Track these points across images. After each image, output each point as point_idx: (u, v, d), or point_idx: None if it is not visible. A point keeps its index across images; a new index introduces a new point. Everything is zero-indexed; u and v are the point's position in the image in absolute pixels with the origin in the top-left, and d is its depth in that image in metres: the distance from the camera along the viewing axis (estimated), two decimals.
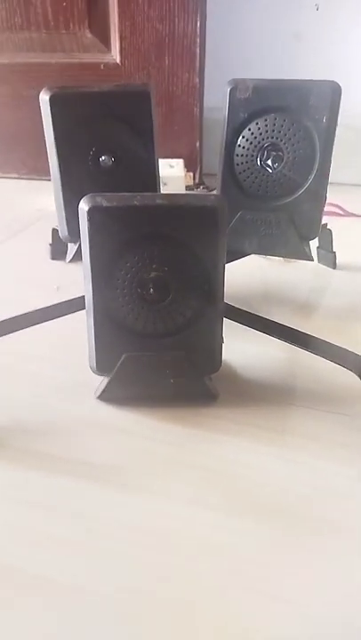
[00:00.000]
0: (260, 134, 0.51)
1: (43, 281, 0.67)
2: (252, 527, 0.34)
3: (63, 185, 0.52)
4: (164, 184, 0.88)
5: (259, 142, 0.52)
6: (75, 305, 0.47)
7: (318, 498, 0.36)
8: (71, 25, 0.94)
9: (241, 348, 0.49)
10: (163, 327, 0.42)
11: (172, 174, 0.89)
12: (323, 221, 0.55)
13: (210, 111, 0.98)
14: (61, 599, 0.30)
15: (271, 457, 0.40)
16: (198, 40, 0.89)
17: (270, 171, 0.52)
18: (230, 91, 0.51)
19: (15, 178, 1.08)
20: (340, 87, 0.49)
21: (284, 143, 0.51)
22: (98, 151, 0.52)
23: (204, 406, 0.44)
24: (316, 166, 0.51)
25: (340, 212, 0.88)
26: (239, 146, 0.52)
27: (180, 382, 0.43)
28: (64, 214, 0.53)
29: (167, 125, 0.96)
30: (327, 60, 0.98)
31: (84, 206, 0.39)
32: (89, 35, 0.94)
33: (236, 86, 0.51)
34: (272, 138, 0.51)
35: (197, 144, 0.98)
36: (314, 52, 0.98)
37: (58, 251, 0.71)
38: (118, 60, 0.94)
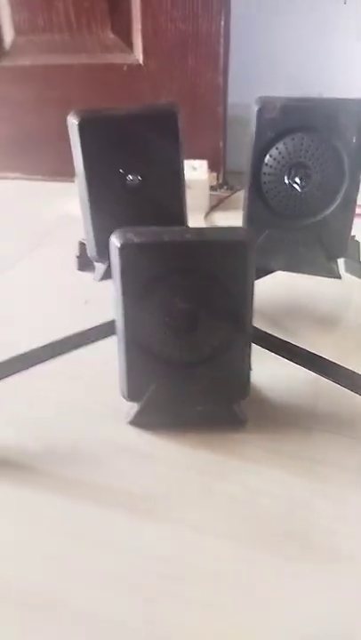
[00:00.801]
0: (288, 153, 0.51)
1: (71, 294, 0.68)
2: (280, 563, 0.35)
3: (92, 206, 0.53)
4: (188, 187, 0.88)
5: (286, 162, 0.51)
6: (106, 330, 0.48)
7: (345, 532, 0.37)
8: (93, 26, 0.93)
9: (269, 371, 0.50)
10: (192, 356, 0.43)
11: (196, 177, 0.89)
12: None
13: (232, 108, 0.97)
14: (100, 633, 0.32)
15: (298, 487, 0.40)
16: (222, 40, 0.88)
17: (298, 190, 0.52)
18: (258, 110, 0.50)
19: (39, 180, 1.09)
20: None
21: (312, 163, 0.50)
22: (125, 172, 0.53)
23: (233, 432, 0.45)
24: (345, 186, 0.50)
25: None
26: (266, 164, 0.52)
27: (209, 409, 0.44)
28: (92, 235, 0.54)
29: (190, 125, 0.95)
30: (352, 55, 0.95)
31: (115, 242, 0.39)
32: (111, 35, 0.93)
33: (263, 106, 0.50)
34: (300, 157, 0.51)
35: (221, 143, 0.97)
36: (340, 46, 0.95)
37: (85, 263, 0.72)
38: (141, 61, 0.93)
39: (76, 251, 0.74)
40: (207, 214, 0.90)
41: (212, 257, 0.39)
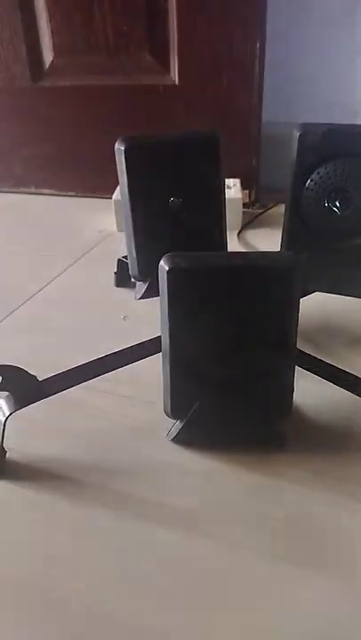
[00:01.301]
0: (329, 178, 0.52)
1: (109, 310, 0.70)
2: (327, 585, 0.36)
3: (135, 227, 0.54)
4: None
5: (328, 186, 0.52)
6: (149, 348, 0.49)
7: None
8: (131, 48, 0.96)
9: (311, 389, 0.50)
10: (236, 377, 0.44)
11: (230, 196, 0.90)
12: None
13: (266, 126, 0.98)
14: None
15: (340, 508, 0.41)
16: (257, 61, 0.90)
17: (338, 213, 0.52)
18: (300, 136, 0.52)
19: (73, 196, 1.12)
20: None
21: (353, 188, 0.51)
22: (169, 195, 0.54)
23: (275, 452, 0.46)
24: None
25: None
26: (307, 189, 0.53)
27: (251, 429, 0.45)
28: (135, 255, 0.56)
29: (225, 144, 0.97)
30: None
31: (164, 266, 0.41)
32: (148, 57, 0.96)
33: (306, 131, 0.51)
34: (341, 182, 0.51)
35: (254, 162, 0.99)
36: None
37: (123, 278, 0.74)
38: (177, 82, 0.96)
39: (114, 267, 0.76)
40: (240, 232, 0.92)
41: (257, 282, 0.40)
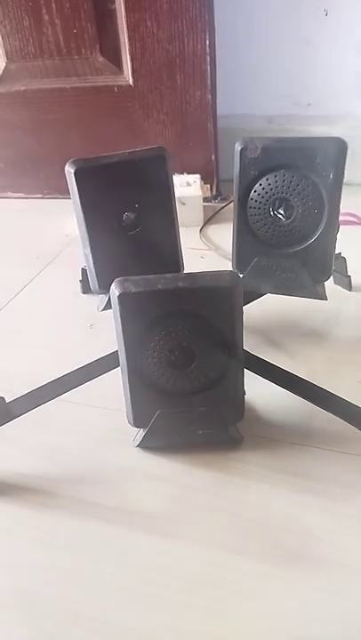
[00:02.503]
0: (271, 189, 0.55)
1: (76, 318, 0.73)
2: (277, 573, 0.40)
3: (91, 244, 0.57)
4: (183, 204, 0.92)
5: (270, 196, 0.55)
6: (113, 361, 0.52)
7: (339, 544, 0.42)
8: (83, 50, 0.96)
9: (261, 389, 0.54)
10: (190, 387, 0.47)
11: (190, 194, 0.93)
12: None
13: (221, 120, 1.00)
14: None
15: (293, 502, 0.45)
16: (208, 58, 0.91)
17: (282, 222, 0.56)
18: (241, 150, 0.54)
19: (40, 198, 1.13)
20: (345, 144, 0.51)
21: (294, 197, 0.54)
22: (121, 211, 0.57)
23: (231, 451, 0.50)
24: (325, 217, 0.54)
25: (355, 221, 0.90)
26: (252, 199, 0.56)
27: (208, 432, 0.49)
28: (94, 270, 0.58)
29: (182, 142, 0.99)
30: (337, 65, 0.98)
31: (115, 291, 0.44)
32: (101, 58, 0.97)
33: (245, 146, 0.54)
34: (282, 192, 0.54)
35: (213, 156, 1.01)
36: (324, 56, 0.98)
37: (88, 286, 0.77)
38: (131, 82, 0.97)
39: (80, 274, 0.79)
40: (202, 228, 0.94)
41: (201, 301, 0.44)
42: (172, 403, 0.48)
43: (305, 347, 0.64)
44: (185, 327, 0.45)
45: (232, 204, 1.03)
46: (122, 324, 0.44)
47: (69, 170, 0.54)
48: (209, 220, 0.97)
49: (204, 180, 1.02)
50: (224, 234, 0.92)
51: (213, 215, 0.98)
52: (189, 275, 0.44)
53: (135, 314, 0.44)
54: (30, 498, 0.47)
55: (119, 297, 0.43)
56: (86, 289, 0.77)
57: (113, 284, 0.44)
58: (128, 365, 0.46)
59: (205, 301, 0.44)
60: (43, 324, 0.73)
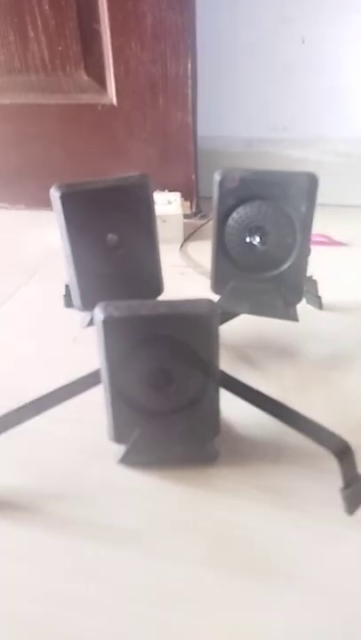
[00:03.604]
0: (248, 217, 0.58)
1: (59, 331, 0.75)
2: (251, 587, 0.43)
3: (75, 264, 0.59)
4: (164, 221, 0.95)
5: (246, 224, 0.58)
6: (93, 381, 0.54)
7: (308, 558, 0.45)
8: (67, 67, 0.99)
9: (236, 404, 0.56)
10: (169, 406, 0.50)
11: (171, 212, 0.96)
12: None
13: (202, 140, 1.03)
14: None
15: (265, 517, 0.48)
16: (190, 82, 0.94)
17: (257, 248, 0.59)
18: (220, 181, 0.57)
19: (23, 209, 1.15)
20: (316, 178, 0.55)
21: (269, 226, 0.57)
22: (105, 233, 0.59)
23: (208, 466, 0.53)
24: (298, 245, 0.57)
25: (326, 241, 0.95)
26: (229, 226, 0.59)
27: (187, 448, 0.52)
28: (77, 289, 0.61)
29: (164, 161, 1.02)
30: (311, 91, 1.02)
31: (99, 315, 0.46)
32: (85, 77, 0.99)
33: (224, 177, 0.57)
34: (258, 221, 0.58)
35: (193, 176, 1.04)
36: (300, 82, 1.02)
37: (71, 301, 0.79)
38: (115, 102, 0.99)
39: (62, 289, 0.80)
40: (182, 245, 0.97)
41: (181, 327, 0.46)
42: (151, 421, 0.50)
43: (277, 364, 0.67)
44: (165, 351, 0.47)
45: (211, 222, 1.07)
46: (105, 346, 0.47)
47: (55, 194, 0.56)
48: (189, 237, 1.00)
49: (185, 197, 1.05)
50: (204, 251, 0.94)
51: (193, 232, 1.01)
52: (169, 302, 0.47)
53: (117, 337, 0.46)
54: (9, 513, 0.48)
55: (103, 322, 0.46)
56: (69, 303, 0.79)
57: (96, 309, 0.46)
58: (110, 385, 0.49)
59: (184, 327, 0.46)
60: (26, 337, 0.74)
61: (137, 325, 0.46)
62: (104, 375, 0.49)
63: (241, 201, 0.57)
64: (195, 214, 1.07)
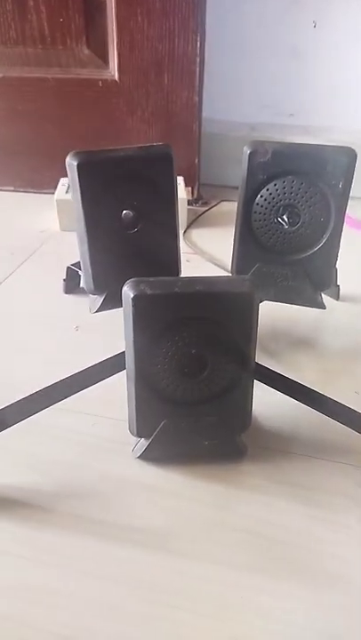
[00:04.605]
0: (278, 195, 0.54)
1: (60, 320, 0.69)
2: (291, 590, 0.39)
3: (90, 243, 0.54)
4: None
5: (276, 202, 0.54)
6: (112, 367, 0.49)
7: (343, 556, 0.41)
8: (68, 40, 0.93)
9: (264, 397, 0.53)
10: (199, 396, 0.45)
11: None
12: None
13: (204, 123, 0.99)
14: None
15: (297, 515, 0.44)
16: (198, 59, 0.90)
17: (287, 228, 0.55)
18: (250, 154, 0.53)
19: (11, 190, 1.08)
20: (355, 153, 0.51)
21: (301, 204, 0.54)
22: (122, 209, 0.54)
23: (236, 462, 0.48)
24: (331, 226, 0.54)
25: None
26: (257, 204, 0.55)
27: (214, 442, 0.47)
28: (90, 270, 0.55)
29: (166, 142, 0.97)
30: (321, 77, 0.99)
31: (128, 292, 0.41)
32: (86, 51, 0.93)
33: (255, 150, 0.53)
34: (289, 199, 0.54)
35: (196, 160, 0.99)
36: (310, 68, 0.99)
37: (72, 286, 0.73)
38: (117, 77, 0.94)
39: (60, 272, 0.75)
40: (185, 231, 0.93)
41: (219, 307, 0.42)
42: (178, 412, 0.46)
43: (295, 356, 0.63)
44: (199, 334, 0.43)
45: (214, 208, 1.03)
46: (134, 327, 0.42)
47: (72, 162, 0.51)
48: (191, 223, 0.95)
49: (186, 182, 1.00)
50: (208, 238, 0.91)
51: (195, 219, 0.97)
52: (207, 279, 0.42)
53: (149, 318, 0.42)
54: (23, 514, 0.43)
55: (133, 299, 0.41)
56: (70, 289, 0.74)
57: (126, 286, 0.42)
58: (136, 372, 0.44)
59: (223, 307, 0.42)
60: (22, 324, 0.68)
61: (171, 304, 0.42)
62: (129, 360, 0.44)
63: (272, 176, 0.53)
64: (195, 201, 1.03)
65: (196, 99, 0.93)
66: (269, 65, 1.00)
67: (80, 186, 0.51)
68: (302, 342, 0.66)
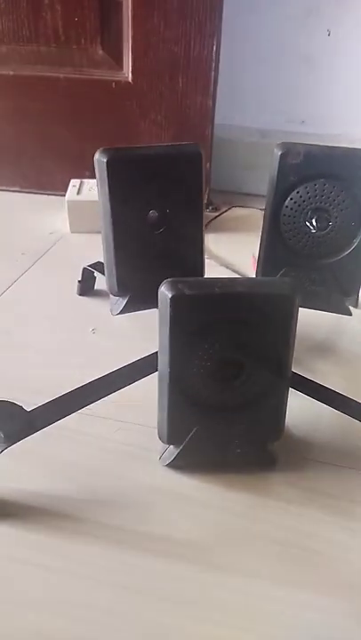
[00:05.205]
0: (309, 198, 0.53)
1: (75, 322, 0.67)
2: (331, 605, 0.37)
3: (116, 243, 0.52)
4: None
5: (306, 205, 0.53)
6: (142, 370, 0.47)
7: None
8: (82, 40, 0.91)
9: (299, 406, 0.50)
10: (233, 402, 0.44)
11: None
12: None
13: (215, 128, 0.98)
14: None
15: (332, 526, 0.43)
16: (213, 64, 0.89)
17: (316, 232, 0.54)
18: (281, 155, 0.52)
19: (17, 191, 1.06)
20: None
21: (333, 208, 0.53)
22: (150, 208, 0.53)
23: (267, 471, 0.47)
24: None
25: None
26: (287, 207, 0.54)
27: (246, 450, 0.46)
28: (115, 272, 0.54)
29: None
30: (334, 85, 0.99)
31: (166, 293, 0.40)
32: (100, 51, 0.92)
33: (287, 151, 0.52)
34: (320, 202, 0.53)
35: (208, 165, 0.98)
36: (323, 75, 0.99)
37: (86, 287, 0.72)
38: (130, 79, 0.93)
39: (75, 272, 0.73)
40: None
41: (260, 309, 0.41)
42: (211, 419, 0.44)
43: (316, 362, 0.62)
44: (237, 337, 0.42)
45: (225, 214, 1.02)
46: (170, 329, 0.40)
47: (101, 159, 0.50)
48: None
49: None
50: (222, 244, 0.89)
51: (207, 224, 0.96)
52: (247, 280, 0.41)
53: (186, 319, 0.40)
54: (52, 523, 0.41)
55: (172, 299, 0.39)
56: (84, 291, 0.72)
57: (163, 286, 0.40)
58: (170, 375, 0.42)
59: (263, 310, 0.41)
60: (35, 325, 0.66)
61: (210, 305, 0.40)
62: (163, 363, 0.42)
63: (303, 179, 0.52)
64: (207, 207, 1.02)
65: (210, 103, 0.93)
66: (282, 72, 1.00)
67: (109, 184, 0.50)
68: (318, 348, 0.65)
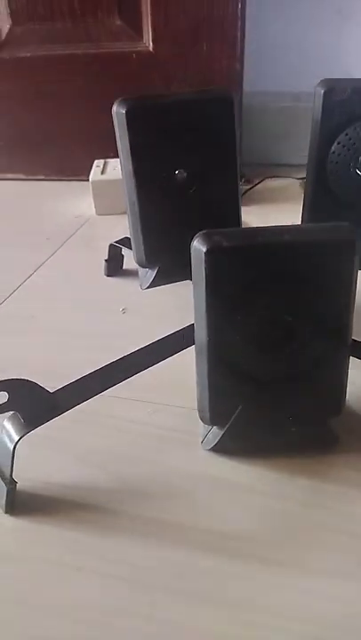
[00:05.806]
0: (359, 140, 0.46)
1: (105, 303, 0.62)
2: None
3: (141, 208, 0.47)
4: None
5: (357, 149, 0.46)
6: (175, 344, 0.42)
7: None
8: (99, 12, 0.87)
9: (352, 376, 0.45)
10: (286, 373, 0.38)
11: None
12: None
13: (247, 96, 0.92)
14: None
15: None
16: (239, 23, 0.83)
17: None
18: (324, 93, 0.45)
19: (41, 180, 1.02)
20: None
21: None
22: (177, 165, 0.47)
23: (326, 453, 0.40)
24: None
25: None
26: (333, 152, 0.47)
27: (301, 430, 0.39)
28: (141, 238, 0.49)
29: None
30: None
31: (200, 247, 0.34)
32: (118, 22, 0.87)
33: (331, 87, 0.45)
34: None
35: (239, 134, 0.92)
36: (358, 29, 0.91)
37: (114, 267, 0.67)
38: (151, 48, 0.87)
39: (102, 254, 0.68)
40: None
41: (314, 260, 0.34)
42: (260, 393, 0.38)
43: None
44: (288, 295, 0.35)
45: (258, 186, 0.96)
46: (207, 289, 0.34)
47: (119, 111, 0.44)
48: None
49: None
50: (255, 215, 0.83)
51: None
52: (297, 227, 0.35)
53: (226, 276, 0.34)
54: (85, 517, 0.36)
55: (207, 253, 0.33)
56: (112, 271, 0.67)
57: (196, 239, 0.34)
58: (210, 347, 0.36)
59: (319, 260, 0.34)
60: (63, 308, 0.62)
61: (253, 259, 0.34)
62: (200, 333, 0.36)
63: (352, 119, 0.46)
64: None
65: (238, 66, 0.86)
66: (313, 28, 0.92)
67: (130, 138, 0.45)
68: None
